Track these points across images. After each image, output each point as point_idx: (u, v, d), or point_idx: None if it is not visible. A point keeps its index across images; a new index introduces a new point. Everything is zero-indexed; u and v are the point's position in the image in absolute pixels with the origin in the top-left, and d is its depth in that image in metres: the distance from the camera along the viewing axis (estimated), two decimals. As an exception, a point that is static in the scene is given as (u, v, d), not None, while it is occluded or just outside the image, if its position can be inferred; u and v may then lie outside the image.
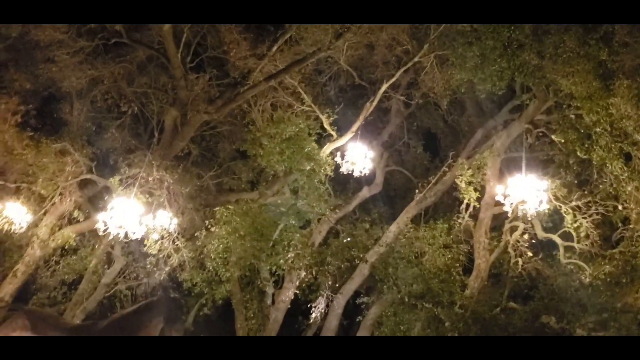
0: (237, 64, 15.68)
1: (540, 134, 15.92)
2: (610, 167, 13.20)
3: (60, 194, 14.59)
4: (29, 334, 12.26)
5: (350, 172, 14.15)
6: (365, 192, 17.80)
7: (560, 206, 14.55)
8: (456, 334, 13.24)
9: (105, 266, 16.28)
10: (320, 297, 16.09)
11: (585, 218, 14.54)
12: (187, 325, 21.35)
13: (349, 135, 14.87)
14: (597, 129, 13.04)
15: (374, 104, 15.05)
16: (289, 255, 14.59)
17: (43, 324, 12.97)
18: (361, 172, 14.21)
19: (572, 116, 13.90)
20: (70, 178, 14.44)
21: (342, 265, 15.82)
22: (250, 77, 14.97)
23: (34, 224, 14.47)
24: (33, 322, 12.49)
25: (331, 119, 15.12)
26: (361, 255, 15.91)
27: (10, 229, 13.71)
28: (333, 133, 15.08)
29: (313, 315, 16.50)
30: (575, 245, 14.78)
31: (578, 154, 13.54)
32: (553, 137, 14.68)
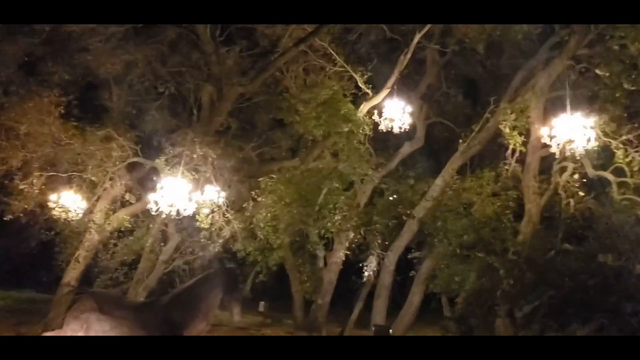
0: (266, 32, 15.60)
1: (583, 69, 15.25)
2: (659, 95, 12.69)
3: (110, 179, 15.01)
4: (97, 314, 12.79)
5: (389, 129, 13.97)
6: (406, 148, 17.64)
7: (610, 142, 14.04)
8: (511, 281, 13.17)
9: (162, 244, 16.75)
10: (371, 256, 16.23)
11: (637, 151, 14.01)
12: (245, 293, 21.98)
13: (385, 91, 14.59)
14: (644, 58, 12.51)
15: (408, 56, 14.68)
16: (335, 218, 14.70)
17: (109, 304, 13.42)
18: (401, 127, 14.01)
19: (616, 47, 13.32)
20: (117, 163, 14.80)
21: (390, 223, 15.88)
22: (279, 44, 14.92)
23: (89, 210, 14.99)
24: (100, 303, 12.94)
25: (365, 77, 14.89)
26: (408, 212, 15.88)
27: (68, 217, 14.28)
28: (368, 91, 14.86)
29: (366, 274, 16.67)
30: (629, 180, 14.27)
31: (624, 86, 13.05)
32: (597, 71, 14.10)
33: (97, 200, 15.19)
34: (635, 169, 14.05)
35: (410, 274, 16.53)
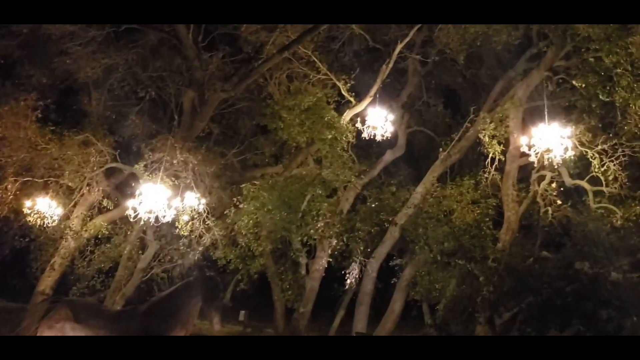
0: (249, 38, 15.56)
1: (561, 80, 15.64)
2: (633, 107, 13.02)
3: (88, 184, 14.76)
4: (72, 323, 12.56)
5: (372, 137, 13.98)
6: (388, 156, 17.75)
7: (586, 151, 14.39)
8: (491, 288, 13.32)
9: (140, 251, 16.50)
10: (353, 263, 16.22)
11: (612, 161, 14.37)
12: (225, 301, 21.75)
13: (368, 99, 14.68)
14: (618, 70, 12.85)
15: (390, 65, 14.82)
16: (318, 225, 14.68)
17: (85, 313, 13.27)
18: (383, 135, 14.03)
19: (592, 59, 13.63)
20: (95, 168, 14.55)
21: (372, 230, 15.93)
22: (263, 51, 14.86)
23: (66, 217, 14.69)
24: (75, 311, 12.79)
25: (348, 85, 14.98)
26: (390, 219, 15.97)
27: (43, 224, 13.97)
28: (351, 99, 14.95)
29: (348, 281, 16.66)
30: (604, 189, 14.64)
31: (600, 97, 13.33)
32: (574, 82, 14.42)
33: (73, 206, 14.91)
34: (611, 178, 14.41)
35: (392, 281, 16.59)
